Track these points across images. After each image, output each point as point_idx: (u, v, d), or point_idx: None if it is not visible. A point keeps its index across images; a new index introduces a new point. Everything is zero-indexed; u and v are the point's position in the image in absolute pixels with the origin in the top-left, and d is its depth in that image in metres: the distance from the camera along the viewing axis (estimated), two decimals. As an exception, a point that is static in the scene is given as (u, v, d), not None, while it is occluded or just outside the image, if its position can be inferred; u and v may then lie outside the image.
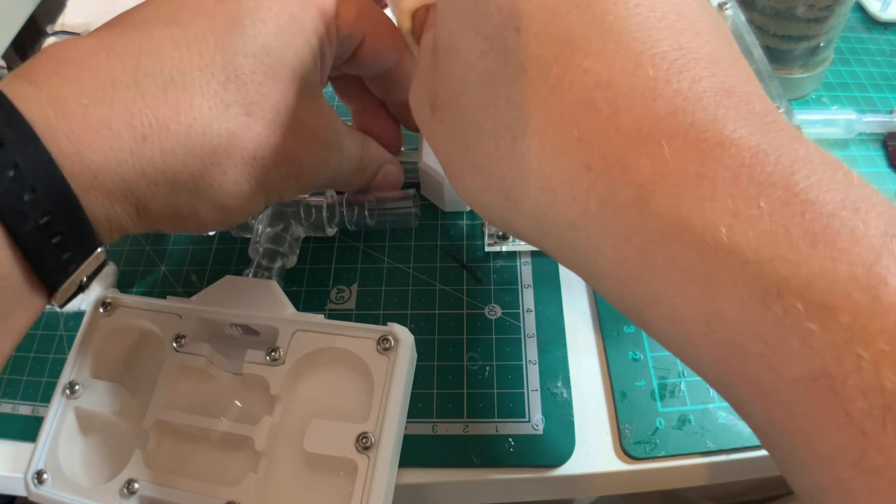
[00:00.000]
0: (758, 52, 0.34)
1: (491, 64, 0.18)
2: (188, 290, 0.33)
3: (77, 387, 0.28)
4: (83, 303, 0.33)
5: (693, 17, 0.16)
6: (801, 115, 0.38)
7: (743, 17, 0.35)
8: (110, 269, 0.34)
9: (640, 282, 0.16)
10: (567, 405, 0.28)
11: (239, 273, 0.30)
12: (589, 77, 0.16)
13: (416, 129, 0.32)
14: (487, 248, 0.33)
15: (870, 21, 0.45)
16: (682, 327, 0.15)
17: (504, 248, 0.33)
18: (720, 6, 0.34)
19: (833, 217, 0.13)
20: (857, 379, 0.12)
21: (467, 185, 0.20)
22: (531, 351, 0.30)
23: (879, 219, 0.13)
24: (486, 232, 0.33)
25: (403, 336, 0.27)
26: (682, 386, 0.29)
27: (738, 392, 0.15)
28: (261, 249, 0.31)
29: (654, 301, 0.16)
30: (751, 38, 0.34)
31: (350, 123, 0.33)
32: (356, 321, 0.28)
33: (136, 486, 0.26)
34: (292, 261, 0.33)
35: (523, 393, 0.29)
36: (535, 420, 0.28)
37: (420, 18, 0.24)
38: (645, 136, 0.15)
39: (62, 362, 0.29)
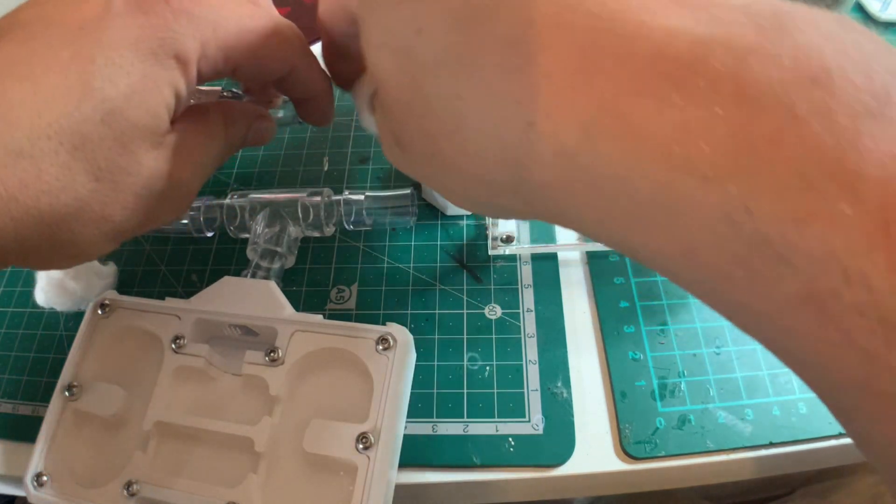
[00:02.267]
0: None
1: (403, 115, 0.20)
2: (188, 290, 0.33)
3: (76, 388, 0.28)
4: (82, 303, 0.33)
5: None
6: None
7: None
8: (110, 269, 0.34)
9: (612, 221, 0.15)
10: (567, 405, 0.28)
11: (238, 273, 0.30)
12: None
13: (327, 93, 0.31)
14: (491, 252, 0.33)
15: (870, 21, 0.45)
16: (664, 259, 0.15)
17: (507, 251, 0.33)
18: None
19: (791, 116, 0.12)
20: (851, 295, 0.11)
21: (455, 200, 0.20)
22: (531, 351, 0.30)
23: (851, 104, 0.12)
24: (490, 235, 0.33)
25: (402, 336, 0.27)
26: (682, 386, 0.29)
27: (736, 317, 0.14)
28: (259, 250, 0.31)
29: (630, 238, 0.15)
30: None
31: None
32: (356, 321, 0.28)
33: (137, 487, 0.26)
34: (291, 261, 0.33)
35: (523, 393, 0.29)
36: (535, 420, 0.28)
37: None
38: (587, 73, 0.15)
39: (62, 362, 0.29)
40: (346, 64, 0.28)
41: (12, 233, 0.20)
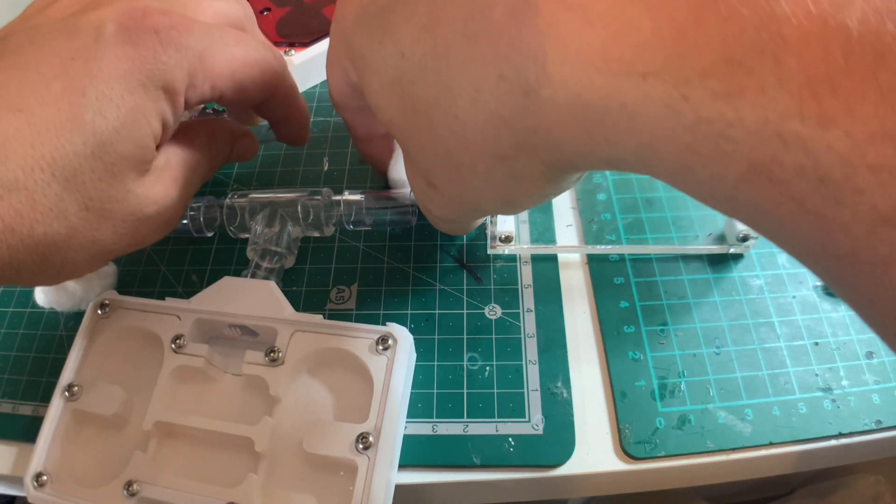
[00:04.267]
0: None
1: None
2: (188, 290, 0.33)
3: (76, 388, 0.28)
4: (82, 303, 0.33)
5: None
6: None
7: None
8: (110, 269, 0.34)
9: (600, 143, 0.16)
10: (567, 405, 0.28)
11: (238, 273, 0.30)
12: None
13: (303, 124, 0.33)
14: (490, 252, 0.33)
15: None
16: (636, 160, 0.15)
17: (506, 251, 0.33)
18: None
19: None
20: (791, 159, 0.12)
21: (491, 202, 0.22)
22: (531, 351, 0.30)
23: None
24: (490, 235, 0.33)
25: (402, 336, 0.27)
26: (682, 386, 0.29)
27: (713, 203, 0.15)
28: (259, 250, 0.31)
29: (605, 147, 0.16)
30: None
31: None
32: (356, 321, 0.28)
33: (137, 487, 0.26)
34: (291, 261, 0.33)
35: (523, 393, 0.29)
36: (535, 420, 0.28)
37: None
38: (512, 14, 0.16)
39: (62, 362, 0.29)
40: (373, 145, 0.30)
41: (7, 259, 0.21)
